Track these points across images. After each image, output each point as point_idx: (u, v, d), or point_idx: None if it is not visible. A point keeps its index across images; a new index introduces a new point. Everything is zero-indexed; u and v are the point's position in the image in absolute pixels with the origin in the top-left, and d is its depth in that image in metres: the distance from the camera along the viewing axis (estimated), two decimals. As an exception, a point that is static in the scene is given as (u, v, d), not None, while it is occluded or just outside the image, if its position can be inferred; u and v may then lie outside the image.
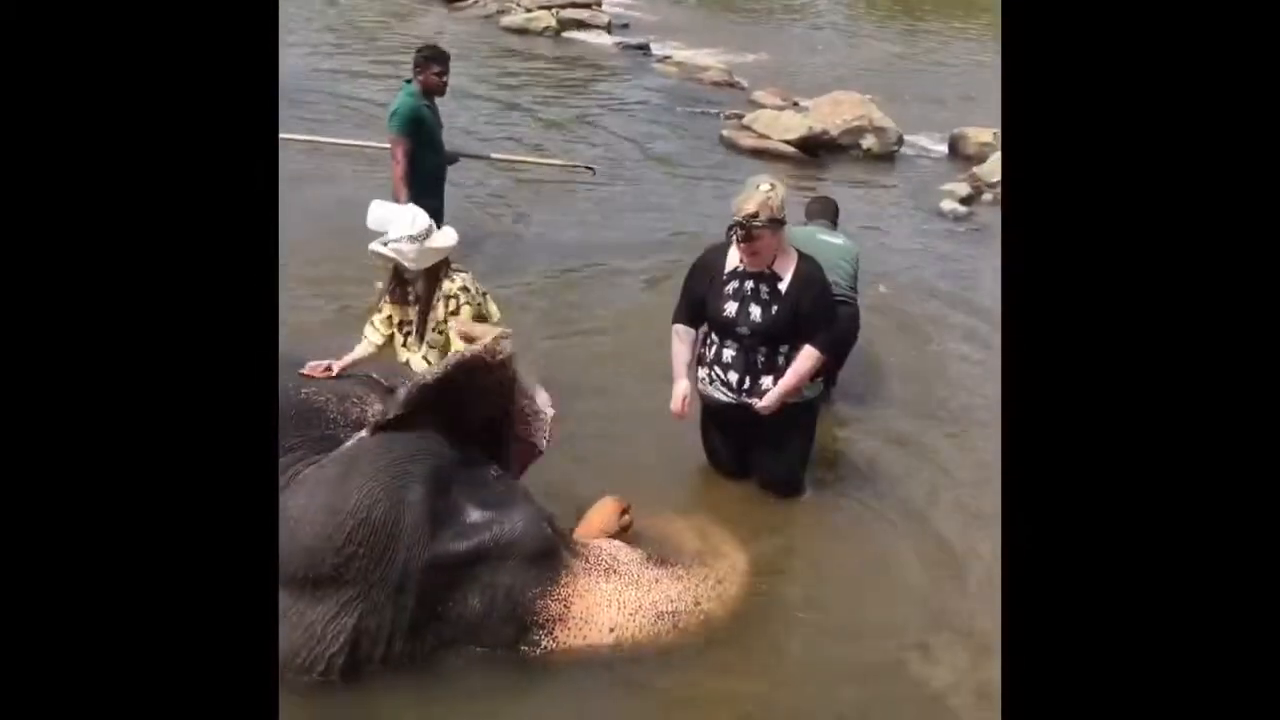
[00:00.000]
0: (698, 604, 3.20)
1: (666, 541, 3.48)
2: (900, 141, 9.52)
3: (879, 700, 3.15)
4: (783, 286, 3.69)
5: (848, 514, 4.07)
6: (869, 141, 9.33)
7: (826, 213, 5.02)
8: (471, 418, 3.10)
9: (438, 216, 5.32)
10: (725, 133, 9.30)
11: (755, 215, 3.55)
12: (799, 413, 3.86)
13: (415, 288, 3.70)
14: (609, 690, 3.03)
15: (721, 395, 3.85)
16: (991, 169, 8.55)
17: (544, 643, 3.00)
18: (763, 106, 10.04)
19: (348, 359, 3.54)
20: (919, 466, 4.48)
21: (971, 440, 4.73)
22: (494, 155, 7.24)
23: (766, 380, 3.75)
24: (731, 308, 3.71)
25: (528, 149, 7.99)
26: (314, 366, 3.37)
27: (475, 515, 2.94)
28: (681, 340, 3.88)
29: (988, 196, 8.36)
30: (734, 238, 3.61)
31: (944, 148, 9.77)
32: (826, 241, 4.55)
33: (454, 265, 3.75)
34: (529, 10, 13.37)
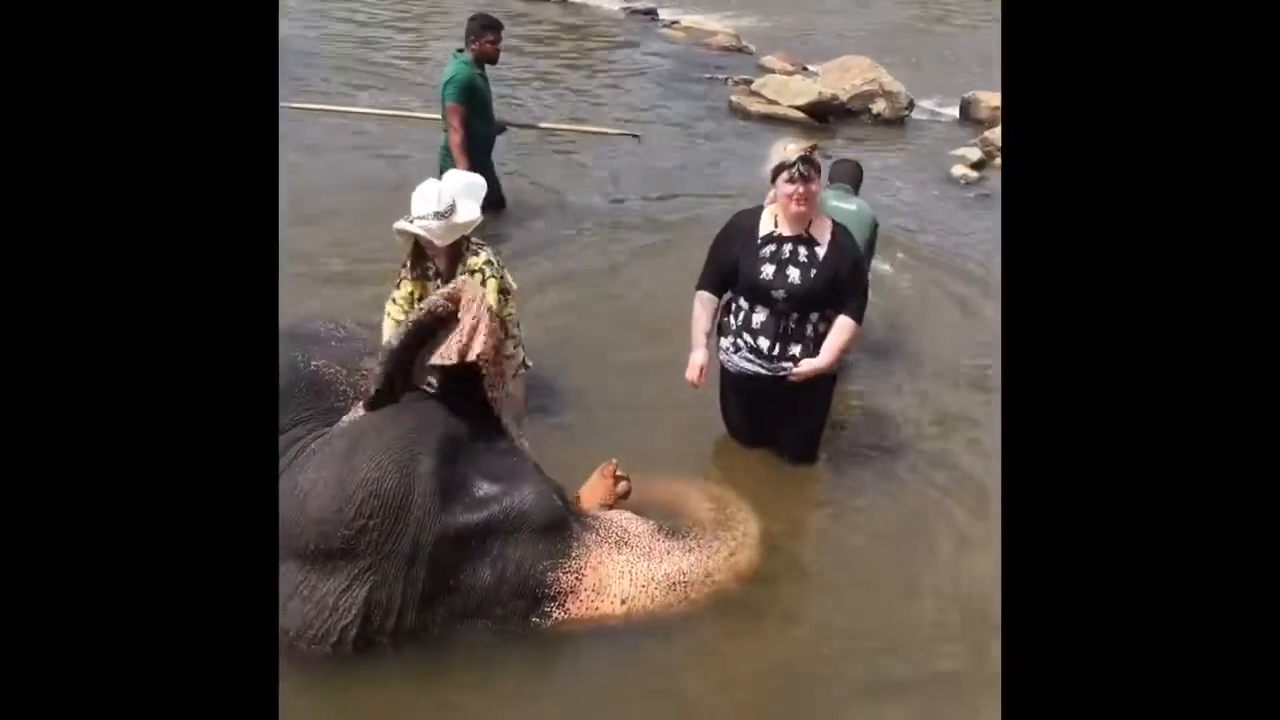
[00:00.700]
0: (709, 576, 3.18)
1: (680, 510, 3.48)
2: (911, 106, 9.42)
3: (895, 668, 3.16)
4: (820, 251, 3.67)
5: (862, 480, 4.07)
6: (879, 106, 9.23)
7: (849, 176, 4.97)
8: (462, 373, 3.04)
9: (488, 181, 5.42)
10: (734, 98, 9.21)
11: (815, 147, 3.64)
12: (822, 382, 3.84)
13: (436, 263, 3.70)
14: (621, 662, 3.03)
15: (747, 364, 3.80)
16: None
17: (555, 615, 3.00)
18: (771, 71, 9.94)
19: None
20: (933, 431, 4.47)
21: (987, 405, 4.71)
22: (541, 124, 7.30)
23: (795, 348, 3.72)
24: (769, 270, 3.67)
25: (533, 116, 7.92)
26: None
27: (485, 487, 2.93)
28: (704, 308, 3.83)
29: (999, 161, 8.27)
30: (795, 176, 3.56)
31: (955, 112, 9.67)
32: (838, 208, 4.51)
33: (474, 240, 3.75)
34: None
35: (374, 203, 5.56)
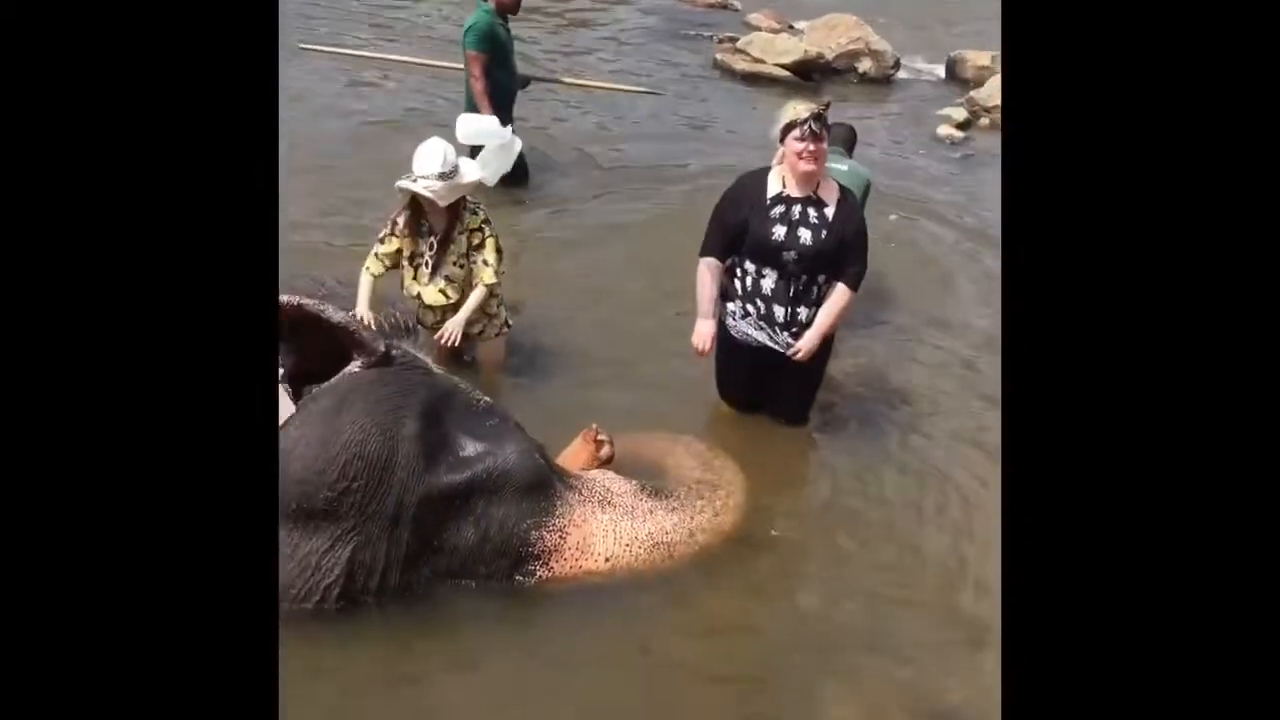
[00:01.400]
0: (694, 535, 3.20)
1: (664, 468, 3.48)
2: (897, 65, 9.36)
3: (880, 625, 3.20)
4: (829, 212, 3.65)
5: (855, 440, 4.09)
6: (865, 65, 9.17)
7: (841, 139, 4.96)
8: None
9: None
10: (719, 56, 9.12)
11: (827, 106, 3.63)
12: (821, 348, 3.81)
13: (430, 221, 3.72)
14: (605, 620, 3.05)
15: (756, 331, 3.78)
16: (989, 93, 8.43)
17: (539, 573, 3.01)
18: (757, 29, 9.85)
19: (363, 303, 3.64)
20: (923, 391, 4.49)
21: (976, 364, 4.73)
22: (564, 79, 7.29)
23: (803, 311, 3.70)
24: (780, 231, 3.64)
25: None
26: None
27: (469, 447, 2.94)
28: (710, 274, 3.76)
29: (985, 121, 8.25)
30: (806, 134, 3.52)
31: (941, 71, 9.61)
32: (831, 168, 4.49)
33: (471, 199, 3.77)
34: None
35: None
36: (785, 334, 3.73)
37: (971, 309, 5.30)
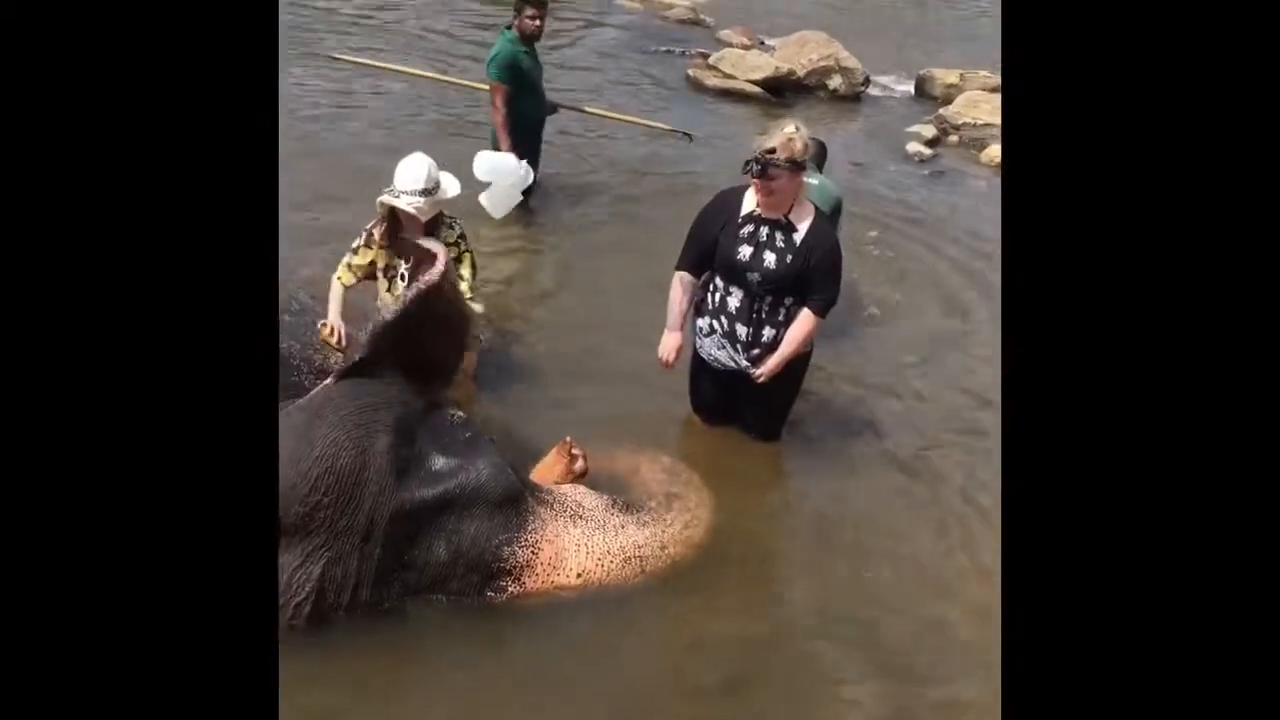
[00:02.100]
0: (665, 548, 3.21)
1: (632, 483, 3.49)
2: (867, 82, 9.44)
3: (855, 636, 3.21)
4: (798, 237, 3.61)
5: (826, 454, 4.10)
6: (835, 82, 9.25)
7: (812, 155, 4.97)
8: (433, 350, 3.06)
9: (533, 164, 5.48)
10: (691, 72, 9.17)
11: (773, 152, 3.46)
12: (794, 369, 3.82)
13: (407, 235, 3.74)
14: (577, 636, 3.04)
15: (718, 351, 3.79)
16: (957, 110, 8.53)
17: (511, 589, 3.01)
18: (729, 45, 9.91)
19: (334, 313, 3.67)
20: (894, 401, 4.53)
21: (949, 376, 4.78)
22: (589, 109, 7.14)
23: (767, 332, 3.70)
24: (746, 251, 3.63)
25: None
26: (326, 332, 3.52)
27: (440, 462, 2.93)
28: (682, 287, 3.76)
29: (953, 139, 8.34)
30: (750, 171, 3.50)
31: (910, 88, 9.71)
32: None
33: (447, 214, 3.79)
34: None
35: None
36: (747, 354, 3.73)
37: (946, 320, 5.36)
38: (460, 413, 3.12)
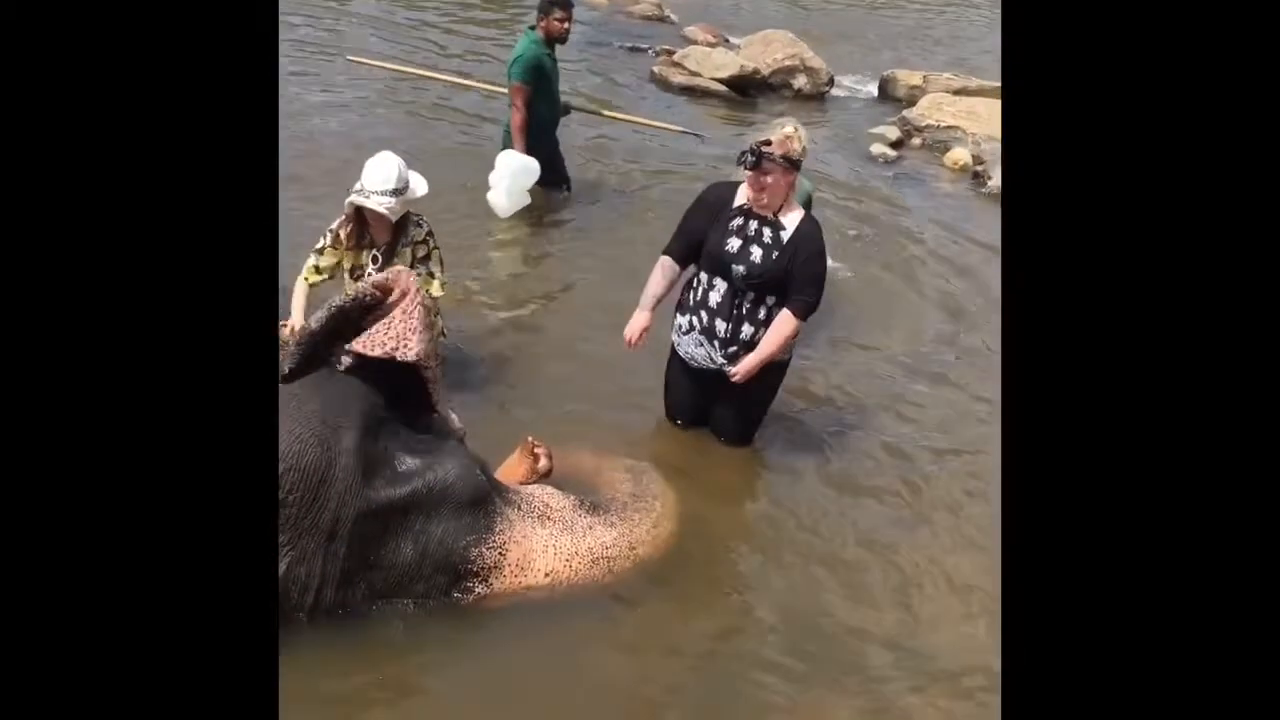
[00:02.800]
0: (633, 549, 3.18)
1: (598, 484, 3.45)
2: (831, 82, 9.47)
3: (823, 642, 3.20)
4: (785, 235, 3.60)
5: (796, 457, 4.09)
6: (800, 81, 9.27)
7: None
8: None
9: (547, 165, 5.50)
10: (656, 69, 9.15)
11: (768, 143, 3.47)
12: (771, 374, 3.80)
13: (373, 235, 3.69)
14: (545, 638, 3.00)
15: (695, 348, 3.77)
16: (921, 113, 8.57)
17: (478, 591, 2.96)
18: (694, 42, 9.89)
19: (298, 313, 3.62)
20: (863, 405, 4.53)
21: (920, 379, 4.79)
22: (604, 112, 7.11)
23: (746, 330, 3.67)
24: (734, 244, 3.62)
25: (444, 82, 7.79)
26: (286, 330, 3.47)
27: (407, 462, 2.87)
28: (661, 271, 3.76)
29: (916, 141, 8.38)
30: (744, 163, 3.50)
31: (874, 89, 9.75)
32: None
33: (414, 212, 3.78)
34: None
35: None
36: (725, 351, 3.70)
37: (915, 323, 5.37)
38: (426, 411, 3.06)
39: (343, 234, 3.73)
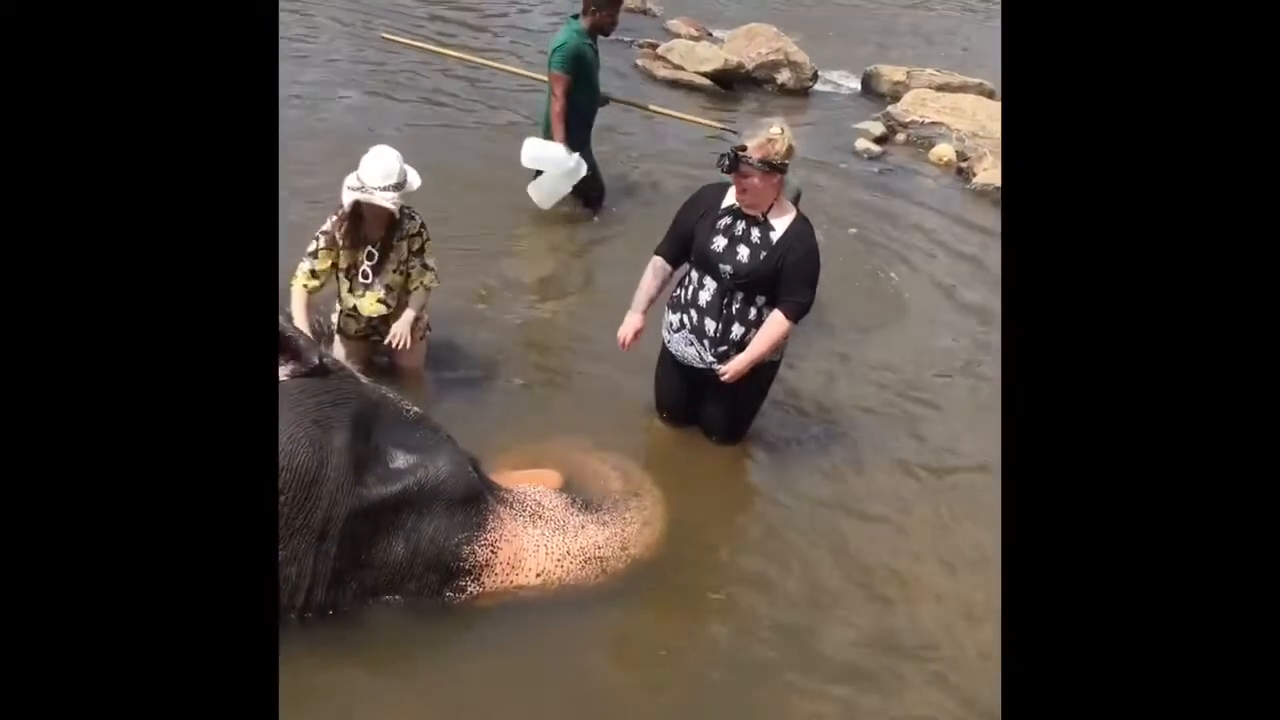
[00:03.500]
0: (625, 549, 3.16)
1: (588, 483, 3.43)
2: (815, 77, 9.45)
3: (813, 643, 3.19)
4: (774, 235, 3.57)
5: (786, 455, 4.08)
6: (784, 76, 9.23)
7: None
8: None
9: (585, 155, 5.49)
10: (640, 62, 9.10)
11: (744, 149, 3.45)
12: (761, 375, 3.79)
13: (367, 230, 3.65)
14: (537, 638, 2.98)
15: (686, 347, 3.75)
16: (905, 108, 8.56)
17: (470, 590, 2.94)
18: (677, 36, 9.85)
19: (300, 321, 3.54)
20: (853, 405, 4.52)
21: (912, 380, 4.78)
22: (644, 105, 7.01)
23: (736, 330, 3.65)
24: (720, 243, 3.60)
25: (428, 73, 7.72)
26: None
27: (399, 460, 2.84)
28: (653, 272, 3.76)
29: (901, 136, 8.38)
30: (721, 166, 3.49)
31: (857, 84, 9.74)
32: None
33: (406, 205, 3.74)
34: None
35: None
36: (715, 350, 3.68)
37: (906, 323, 5.36)
38: (417, 409, 3.04)
39: (338, 233, 3.67)
